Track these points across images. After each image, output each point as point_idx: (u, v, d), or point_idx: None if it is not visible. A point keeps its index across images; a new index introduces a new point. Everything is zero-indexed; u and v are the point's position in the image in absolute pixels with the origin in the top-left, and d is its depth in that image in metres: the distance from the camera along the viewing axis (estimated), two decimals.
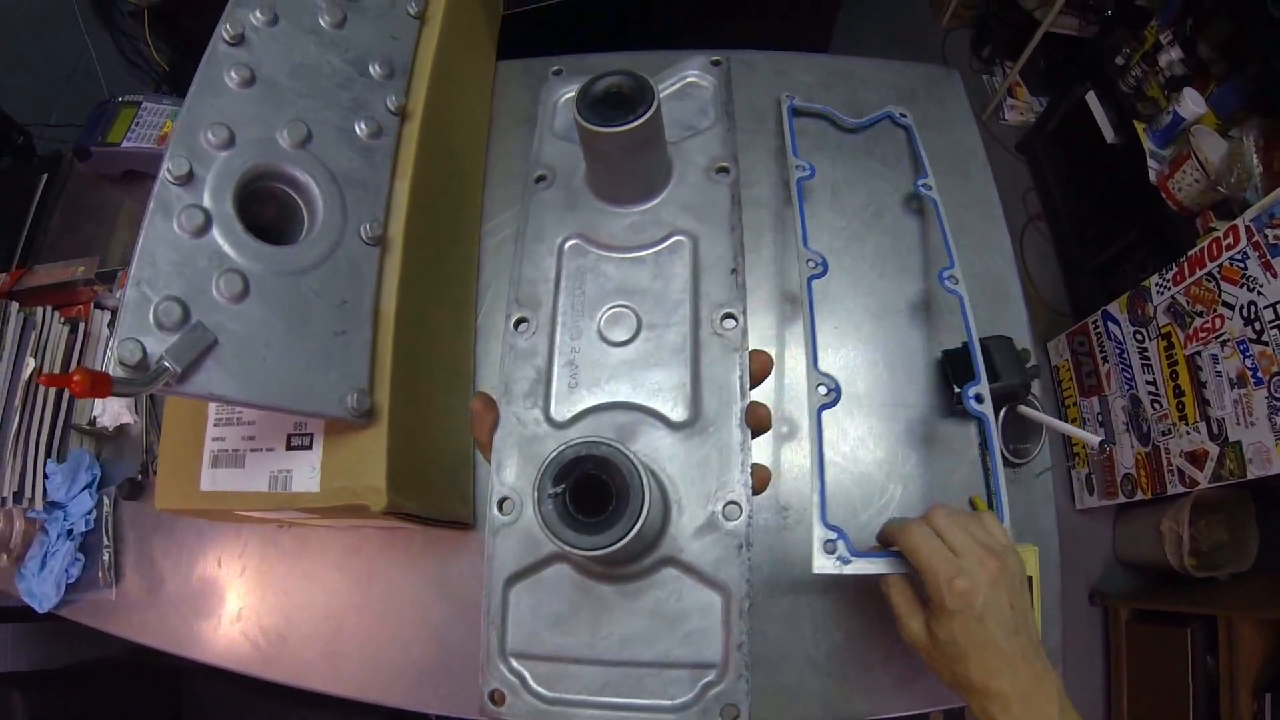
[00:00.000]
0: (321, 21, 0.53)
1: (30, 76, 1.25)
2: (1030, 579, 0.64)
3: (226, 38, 0.48)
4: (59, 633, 1.33)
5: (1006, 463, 0.67)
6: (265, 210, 0.46)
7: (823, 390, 0.55)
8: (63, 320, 0.80)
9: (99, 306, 0.83)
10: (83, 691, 1.09)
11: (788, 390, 0.71)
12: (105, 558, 0.75)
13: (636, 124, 0.38)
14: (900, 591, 0.50)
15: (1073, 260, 1.73)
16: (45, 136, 1.15)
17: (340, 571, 0.67)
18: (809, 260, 0.62)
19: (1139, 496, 1.38)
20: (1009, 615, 0.45)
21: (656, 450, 0.36)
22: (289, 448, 0.47)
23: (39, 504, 0.76)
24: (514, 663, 0.39)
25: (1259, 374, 1.11)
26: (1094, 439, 0.67)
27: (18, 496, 0.75)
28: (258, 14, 0.50)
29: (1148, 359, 1.34)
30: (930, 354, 0.71)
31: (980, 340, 0.64)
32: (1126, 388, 1.40)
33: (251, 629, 0.67)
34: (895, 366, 0.71)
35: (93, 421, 0.79)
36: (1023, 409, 0.67)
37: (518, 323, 0.41)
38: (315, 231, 0.46)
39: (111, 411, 0.78)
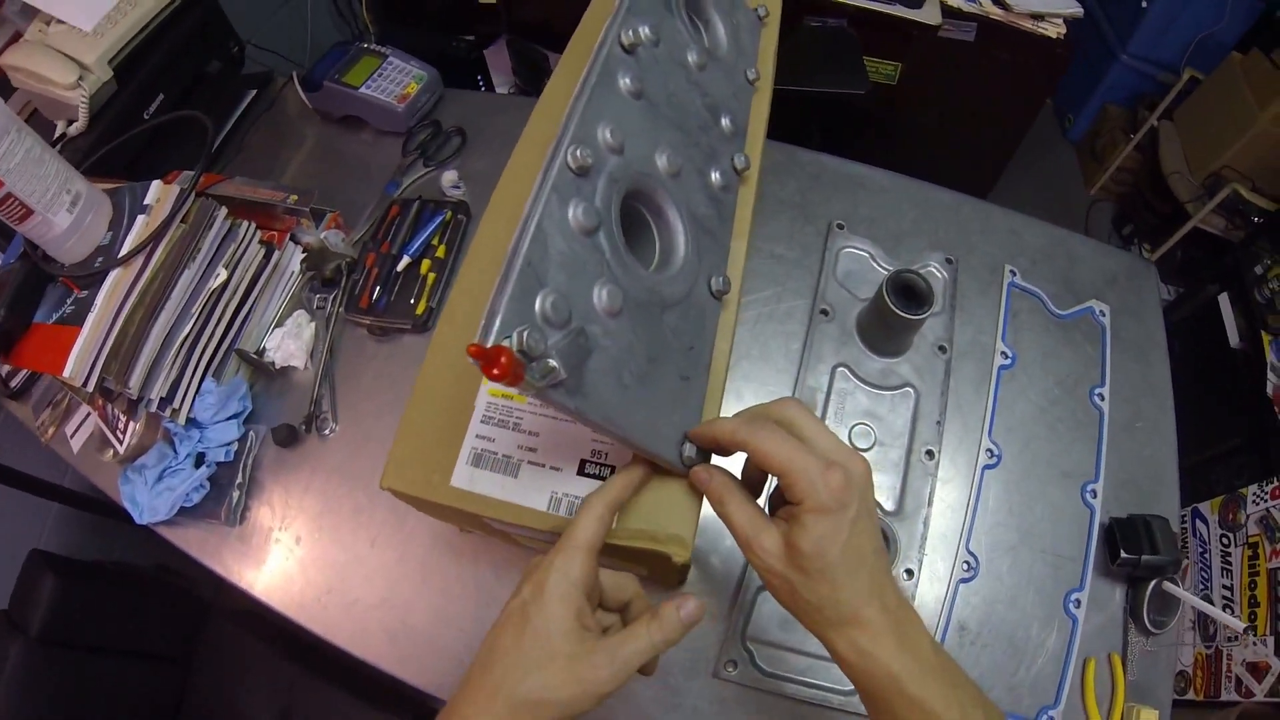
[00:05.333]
0: (690, 58, 0.53)
1: None
2: None
3: (623, 42, 0.47)
4: (95, 526, 1.30)
5: (1146, 631, 0.71)
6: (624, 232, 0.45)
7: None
8: (261, 241, 0.78)
9: (294, 240, 0.81)
10: (106, 591, 1.07)
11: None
12: (235, 496, 0.71)
13: (927, 316, 0.65)
14: (741, 507, 0.40)
15: None
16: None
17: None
18: (987, 449, 0.72)
19: (1189, 696, 1.36)
20: (876, 529, 0.39)
21: None
22: (581, 473, 0.45)
23: (182, 418, 0.73)
24: (748, 644, 0.61)
25: None
26: (1239, 625, 0.70)
27: (164, 403, 0.71)
28: (646, 30, 0.49)
29: (1229, 564, 1.34)
30: (1101, 518, 0.74)
31: (1143, 516, 0.72)
32: (1201, 587, 1.40)
33: (393, 621, 0.63)
34: (1064, 521, 0.73)
35: (260, 352, 0.77)
36: (1167, 585, 0.71)
37: None
38: (674, 269, 0.44)
39: (285, 350, 0.76)
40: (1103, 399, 0.81)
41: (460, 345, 0.51)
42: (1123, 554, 0.70)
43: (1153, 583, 0.71)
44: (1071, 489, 0.74)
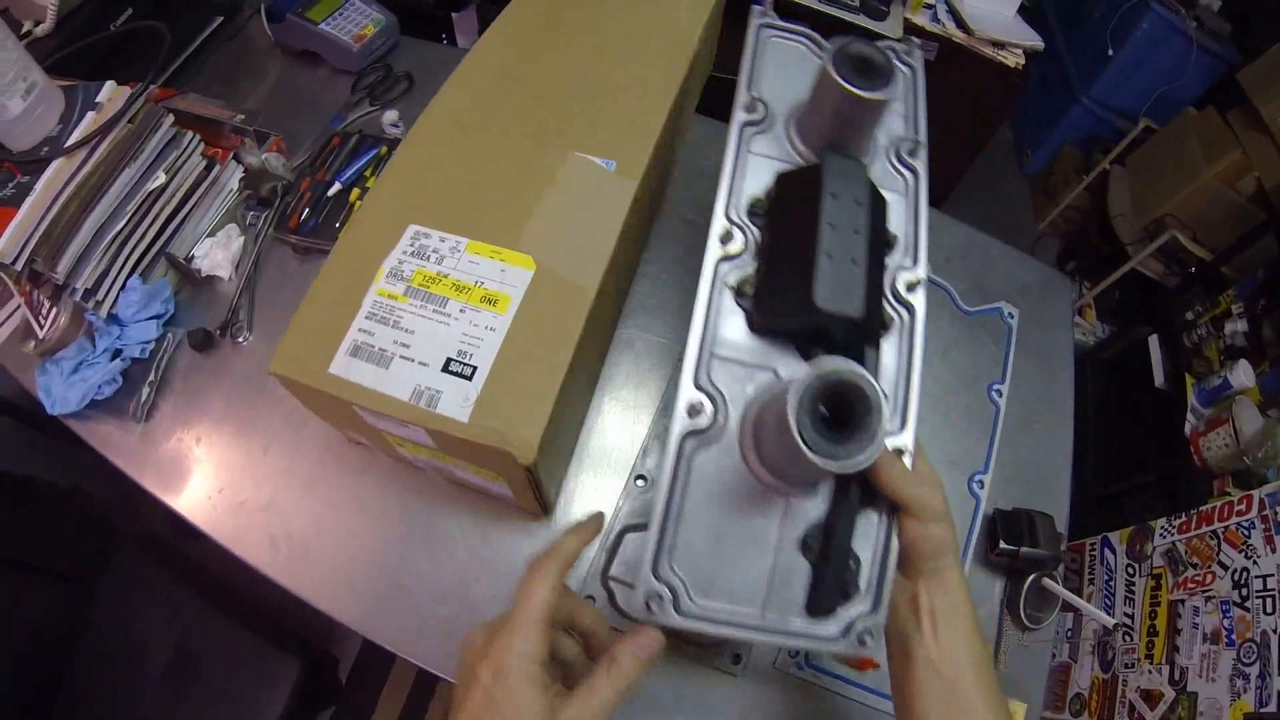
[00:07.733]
0: None
1: None
2: None
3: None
4: (10, 436, 1.29)
5: (1022, 626, 0.73)
6: None
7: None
8: (204, 155, 0.80)
9: (236, 158, 0.84)
10: (14, 502, 1.06)
11: None
12: (144, 394, 0.73)
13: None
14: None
15: (1084, 482, 1.76)
16: None
17: (397, 507, 0.65)
18: None
19: (1084, 719, 1.40)
20: None
21: None
22: (445, 370, 0.48)
23: (104, 312, 0.75)
24: (609, 582, 0.62)
25: (1233, 635, 1.15)
26: (1110, 620, 0.72)
27: (88, 294, 0.73)
28: None
29: (1133, 593, 1.37)
30: (986, 509, 0.77)
31: (1028, 510, 0.74)
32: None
33: (277, 528, 0.65)
34: (954, 514, 0.74)
35: (189, 259, 0.79)
36: (1046, 581, 0.74)
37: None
38: None
39: (213, 259, 0.78)
40: (1000, 395, 0.83)
41: (362, 253, 0.55)
42: (1002, 544, 0.72)
43: (1031, 577, 0.73)
44: (958, 478, 0.77)
